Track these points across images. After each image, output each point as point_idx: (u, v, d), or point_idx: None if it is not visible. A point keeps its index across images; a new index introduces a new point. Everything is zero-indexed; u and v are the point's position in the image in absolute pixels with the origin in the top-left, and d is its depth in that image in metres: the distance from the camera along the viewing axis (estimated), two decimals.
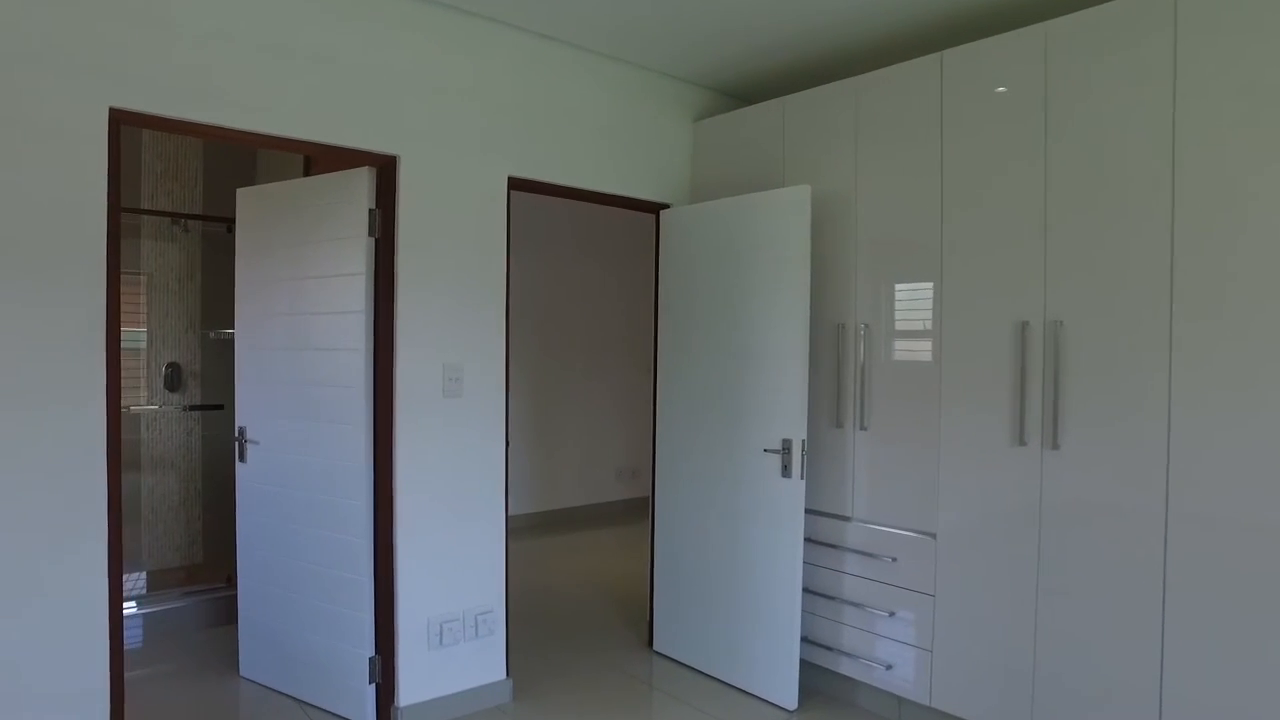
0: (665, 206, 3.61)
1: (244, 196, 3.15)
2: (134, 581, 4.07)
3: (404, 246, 2.78)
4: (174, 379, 4.31)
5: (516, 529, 5.84)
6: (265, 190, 3.08)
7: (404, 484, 2.80)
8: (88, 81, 2.17)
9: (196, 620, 3.79)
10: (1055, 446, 2.47)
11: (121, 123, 2.25)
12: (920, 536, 2.83)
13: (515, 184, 3.10)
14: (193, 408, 4.24)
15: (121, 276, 2.30)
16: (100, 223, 2.21)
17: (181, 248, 4.32)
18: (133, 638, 3.60)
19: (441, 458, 2.89)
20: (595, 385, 6.50)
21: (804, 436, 3.01)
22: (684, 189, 3.69)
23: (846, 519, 3.07)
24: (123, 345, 2.35)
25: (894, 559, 2.89)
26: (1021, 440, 2.55)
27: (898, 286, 2.91)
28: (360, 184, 2.78)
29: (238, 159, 4.43)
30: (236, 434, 3.14)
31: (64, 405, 2.15)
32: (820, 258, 3.13)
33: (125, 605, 3.66)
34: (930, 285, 2.80)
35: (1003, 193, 2.60)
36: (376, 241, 2.79)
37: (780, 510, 3.06)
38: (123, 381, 2.35)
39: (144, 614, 3.63)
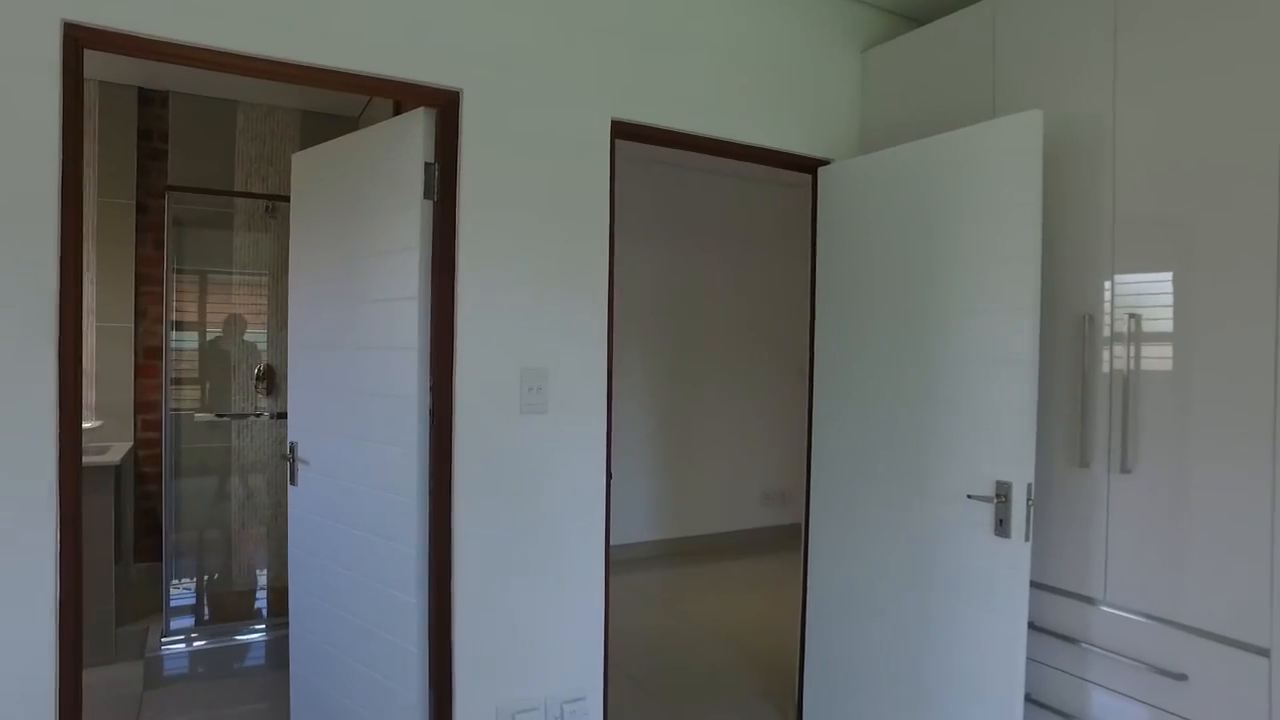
0: (825, 162, 2.73)
1: (299, 162, 2.60)
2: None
3: (468, 212, 2.10)
4: (268, 383, 3.92)
5: (641, 559, 5.10)
6: (319, 152, 2.51)
7: (465, 527, 2.11)
8: None
9: (274, 656, 3.31)
10: None
11: (82, 44, 1.69)
12: (1236, 650, 1.79)
13: (621, 130, 2.35)
14: (280, 415, 3.81)
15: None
16: (49, 183, 1.65)
17: (275, 238, 3.91)
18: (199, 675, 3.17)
19: (517, 493, 2.18)
20: (739, 393, 5.64)
21: (1030, 479, 2.04)
22: (849, 138, 2.79)
23: (1091, 602, 2.07)
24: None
25: (1183, 676, 1.87)
26: None
27: (1187, 261, 1.89)
28: (414, 131, 2.12)
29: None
30: (287, 451, 2.58)
31: None
32: (1054, 218, 2.15)
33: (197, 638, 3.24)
34: (1255, 255, 1.76)
35: None
36: (435, 206, 2.12)
37: (992, 581, 2.11)
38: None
39: (210, 649, 3.18)
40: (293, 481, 2.58)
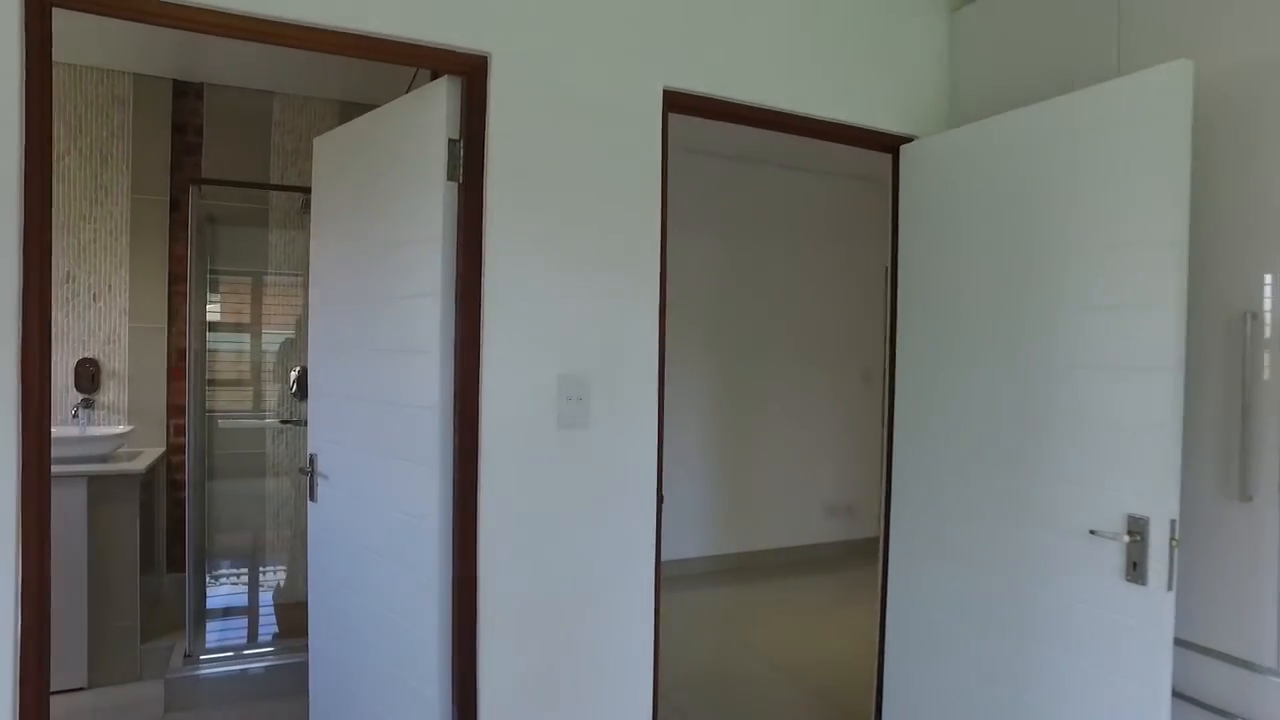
0: (908, 139, 2.38)
1: (322, 147, 2.36)
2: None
3: (497, 196, 1.82)
4: (304, 387, 3.73)
5: (695, 576, 4.78)
6: (342, 133, 2.27)
7: (491, 561, 1.83)
8: None
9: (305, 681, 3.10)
10: None
11: (50, 1, 1.47)
12: None
13: (675, 102, 2.04)
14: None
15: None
16: (9, 162, 1.42)
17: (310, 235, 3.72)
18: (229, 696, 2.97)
19: (553, 518, 1.89)
20: (800, 398, 5.27)
21: (1174, 514, 1.67)
22: (936, 112, 2.43)
23: (1256, 669, 1.68)
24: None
25: None
26: None
27: None
28: (436, 103, 1.86)
29: None
30: (308, 462, 2.35)
31: None
32: (1201, 195, 1.76)
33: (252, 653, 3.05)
34: None
35: None
36: (460, 189, 1.84)
37: (1122, 636, 1.74)
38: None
39: (236, 671, 2.98)
40: (312, 497, 2.35)
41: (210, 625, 3.33)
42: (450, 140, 1.83)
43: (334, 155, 2.28)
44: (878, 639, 2.46)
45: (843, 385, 5.37)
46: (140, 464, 3.11)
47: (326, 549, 2.28)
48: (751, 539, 5.14)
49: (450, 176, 1.83)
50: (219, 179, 3.55)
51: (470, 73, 1.81)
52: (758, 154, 4.80)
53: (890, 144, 2.39)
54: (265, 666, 3.00)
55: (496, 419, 1.83)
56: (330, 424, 2.27)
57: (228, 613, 3.63)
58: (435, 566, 1.85)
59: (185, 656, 2.98)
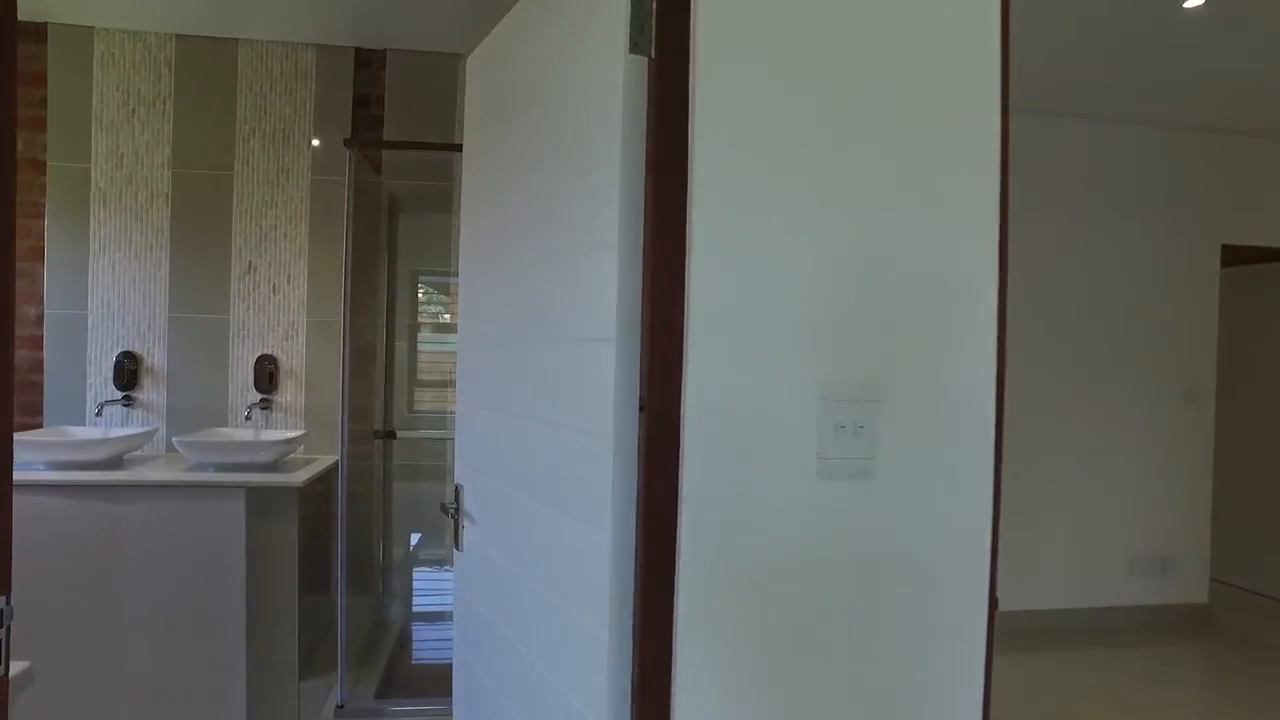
0: None
1: (472, 67, 1.74)
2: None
3: (712, 77, 1.05)
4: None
5: None
6: (499, 32, 1.62)
7: (696, 702, 1.06)
8: None
9: None
10: None
11: None
12: None
13: None
14: None
15: None
16: None
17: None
18: None
19: (806, 637, 1.09)
20: (1098, 418, 4.04)
21: None
22: None
23: None
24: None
25: None
26: None
27: None
28: None
29: None
30: (452, 499, 1.73)
31: None
32: None
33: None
34: None
35: None
36: (651, 68, 1.10)
37: None
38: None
39: None
40: (457, 545, 1.72)
41: (371, 667, 2.88)
42: None
43: (486, 70, 1.65)
44: None
45: (1156, 404, 4.07)
46: (300, 475, 2.71)
47: (472, 620, 1.64)
48: (1025, 597, 4.03)
49: (635, 47, 1.09)
50: (377, 141, 3.14)
51: None
52: (1022, 101, 3.70)
53: None
54: None
55: (707, 456, 1.05)
56: (478, 447, 1.63)
57: (406, 637, 3.20)
58: (604, 696, 1.11)
59: (338, 708, 2.52)
